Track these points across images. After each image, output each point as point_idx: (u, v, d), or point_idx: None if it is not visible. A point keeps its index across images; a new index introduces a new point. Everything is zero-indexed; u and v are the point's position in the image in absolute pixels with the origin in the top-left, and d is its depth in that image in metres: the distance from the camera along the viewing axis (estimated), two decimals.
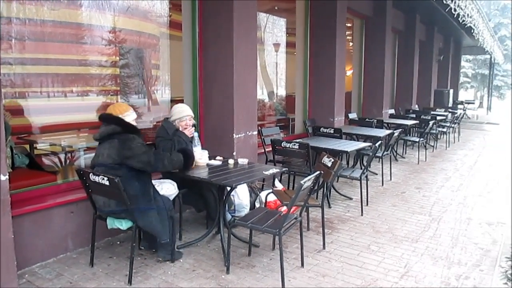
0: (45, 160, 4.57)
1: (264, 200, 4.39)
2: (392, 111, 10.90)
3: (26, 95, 4.34)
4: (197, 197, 4.16)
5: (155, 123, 5.43)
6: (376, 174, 6.77)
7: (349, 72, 10.33)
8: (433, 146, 9.93)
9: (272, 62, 8.79)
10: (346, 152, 5.46)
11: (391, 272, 3.51)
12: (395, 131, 6.59)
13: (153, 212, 3.36)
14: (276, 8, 8.29)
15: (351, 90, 10.19)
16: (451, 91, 17.40)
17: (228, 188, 3.72)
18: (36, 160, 4.37)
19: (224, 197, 3.82)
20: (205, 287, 3.22)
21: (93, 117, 5.10)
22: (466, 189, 6.31)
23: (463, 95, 30.01)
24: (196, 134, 4.26)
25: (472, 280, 3.43)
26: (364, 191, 5.21)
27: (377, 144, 5.17)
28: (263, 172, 3.96)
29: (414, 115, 10.45)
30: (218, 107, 5.09)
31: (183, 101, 5.09)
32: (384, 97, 10.16)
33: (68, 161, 4.68)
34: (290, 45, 8.32)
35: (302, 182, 3.08)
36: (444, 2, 7.45)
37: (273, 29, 8.57)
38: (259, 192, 4.73)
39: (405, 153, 8.97)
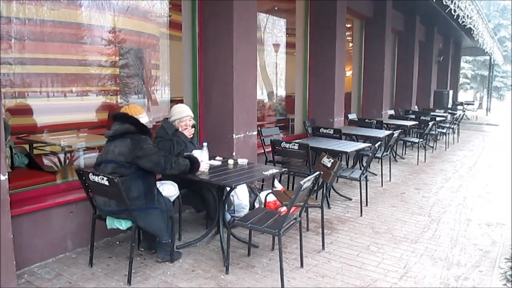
0: (45, 160, 4.57)
1: (263, 201, 4.39)
2: (391, 111, 10.90)
3: (25, 95, 4.34)
4: (197, 197, 4.15)
5: (154, 123, 5.43)
6: (376, 174, 6.78)
7: (348, 73, 10.33)
8: (432, 147, 9.94)
9: (272, 62, 8.79)
10: (346, 152, 5.46)
11: (391, 273, 3.51)
12: (394, 132, 6.59)
13: (155, 211, 3.37)
14: (276, 8, 8.30)
15: (350, 90, 10.19)
16: (451, 92, 17.42)
17: (228, 188, 3.72)
18: (36, 160, 4.37)
19: (224, 197, 3.82)
20: (204, 287, 3.22)
21: (92, 117, 5.11)
22: (465, 190, 6.31)
23: (462, 96, 30.01)
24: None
25: (471, 281, 3.43)
26: (363, 191, 5.21)
27: (376, 145, 5.17)
28: (263, 172, 3.96)
29: (413, 116, 10.45)
30: (217, 107, 5.09)
31: (183, 101, 5.09)
32: (384, 98, 10.17)
33: (67, 161, 4.68)
34: (290, 45, 8.33)
35: (301, 182, 3.08)
36: (444, 3, 7.45)
37: (273, 29, 8.57)
38: (259, 193, 4.73)
39: (405, 154, 8.97)
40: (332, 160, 4.02)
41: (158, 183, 3.66)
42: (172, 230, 3.56)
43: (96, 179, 3.16)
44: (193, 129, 4.22)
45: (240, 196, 4.52)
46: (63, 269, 3.47)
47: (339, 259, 3.75)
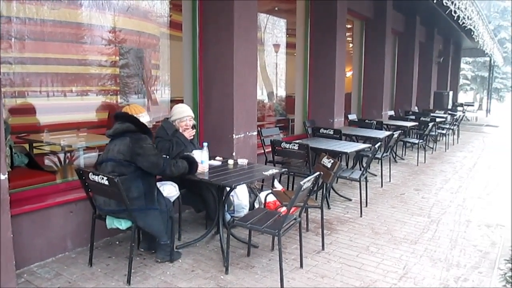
0: (45, 160, 4.57)
1: (263, 201, 4.39)
2: (391, 112, 10.90)
3: (25, 94, 4.34)
4: (197, 197, 4.15)
5: (154, 123, 5.44)
6: (376, 175, 6.78)
7: (349, 73, 10.34)
8: (432, 148, 9.94)
9: (272, 62, 8.81)
10: (346, 153, 5.46)
11: (390, 274, 3.51)
12: (394, 133, 6.59)
13: (155, 212, 3.37)
14: (276, 8, 8.31)
15: (351, 91, 10.19)
16: (451, 93, 17.41)
17: (228, 189, 3.72)
18: (36, 160, 4.37)
19: (224, 198, 3.82)
20: (204, 287, 3.22)
21: (92, 116, 5.11)
22: (465, 191, 6.31)
23: (462, 97, 30.00)
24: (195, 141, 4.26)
25: (471, 282, 3.43)
26: (363, 192, 5.21)
27: (376, 146, 5.17)
28: (263, 172, 3.96)
29: (413, 117, 10.44)
30: (218, 107, 5.09)
31: (183, 101, 5.09)
32: (384, 99, 10.17)
33: (67, 160, 4.68)
34: (290, 45, 8.33)
35: (301, 183, 3.08)
36: (444, 4, 7.45)
37: (273, 29, 8.58)
38: (259, 193, 4.73)
39: (405, 154, 8.97)
40: (332, 161, 4.02)
41: (158, 184, 3.66)
42: (172, 230, 3.56)
43: (96, 178, 3.16)
44: (194, 130, 4.22)
45: (240, 196, 4.51)
46: (62, 268, 3.46)
47: (338, 259, 3.75)
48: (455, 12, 7.88)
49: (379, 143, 5.36)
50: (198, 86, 5.15)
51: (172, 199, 3.72)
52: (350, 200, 5.51)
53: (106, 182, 3.09)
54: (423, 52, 13.91)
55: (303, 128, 7.56)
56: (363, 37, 10.07)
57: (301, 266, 3.56)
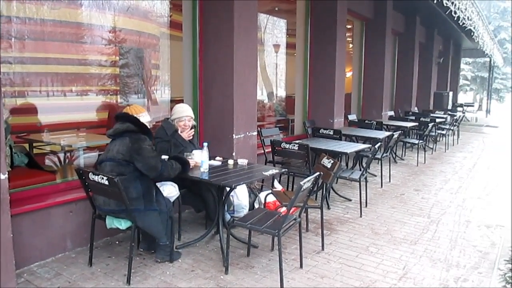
0: (45, 159, 4.57)
1: (263, 201, 4.39)
2: (391, 113, 10.91)
3: (25, 94, 4.34)
4: (196, 197, 4.15)
5: (154, 123, 5.44)
6: (375, 175, 6.78)
7: (349, 74, 10.34)
8: (432, 149, 9.94)
9: (272, 63, 8.81)
10: (346, 153, 5.46)
11: (390, 274, 3.51)
12: (394, 133, 6.59)
13: (154, 213, 3.37)
14: (276, 9, 8.31)
15: (350, 91, 10.19)
16: (451, 93, 17.42)
17: (228, 189, 3.72)
18: (35, 159, 4.37)
19: (224, 198, 3.82)
20: (203, 287, 3.22)
21: (92, 116, 5.12)
22: (465, 191, 6.32)
23: (462, 98, 30.02)
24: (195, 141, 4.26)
25: (470, 282, 3.43)
26: (363, 192, 5.21)
27: (376, 146, 5.18)
28: (263, 172, 3.96)
29: (413, 117, 10.45)
30: (218, 108, 5.09)
31: (183, 101, 5.09)
32: (384, 99, 10.17)
33: (67, 160, 4.68)
34: (290, 46, 8.34)
35: (301, 183, 3.08)
36: (445, 4, 7.46)
37: (273, 30, 8.59)
38: (258, 193, 4.73)
39: (404, 155, 8.97)
40: (332, 161, 4.02)
41: (158, 184, 3.66)
42: (172, 230, 3.56)
43: (96, 178, 3.16)
44: (193, 130, 4.22)
45: (240, 196, 4.51)
46: (62, 268, 3.46)
47: (338, 259, 3.75)
48: (455, 12, 7.88)
49: (379, 144, 5.36)
50: (198, 86, 5.15)
51: (172, 199, 3.72)
52: (350, 200, 5.51)
53: (106, 182, 3.09)
54: (423, 52, 13.92)
55: (303, 128, 7.56)
56: (363, 38, 10.07)
57: (301, 266, 3.56)
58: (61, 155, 4.64)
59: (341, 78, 7.81)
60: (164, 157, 3.60)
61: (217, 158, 4.27)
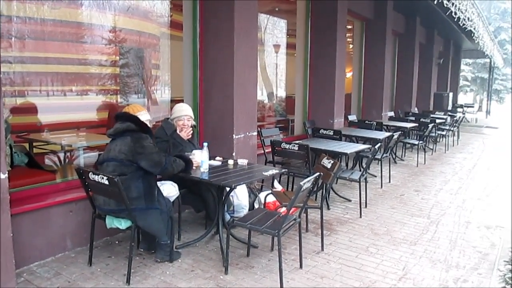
0: (45, 159, 4.57)
1: (263, 201, 4.39)
2: (391, 113, 10.90)
3: (25, 93, 4.34)
4: (196, 197, 4.15)
5: (154, 123, 5.44)
6: (375, 176, 6.78)
7: (349, 74, 10.34)
8: (432, 149, 9.94)
9: (272, 63, 8.81)
10: (346, 154, 5.46)
11: (390, 274, 3.51)
12: (394, 134, 6.59)
13: (155, 212, 3.37)
14: (276, 9, 8.31)
15: (351, 92, 10.19)
16: (451, 94, 17.42)
17: (228, 189, 3.72)
18: (35, 159, 4.37)
19: (223, 198, 3.82)
20: (203, 287, 3.22)
21: (92, 116, 5.11)
22: (465, 192, 6.32)
23: (462, 99, 30.02)
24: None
25: (470, 283, 3.43)
26: (363, 193, 5.21)
27: (376, 146, 5.18)
28: (263, 173, 3.96)
29: (413, 118, 10.45)
30: (218, 108, 5.10)
31: (183, 101, 5.09)
32: (384, 100, 10.17)
33: (67, 160, 4.68)
34: (290, 46, 8.34)
35: (301, 183, 3.08)
36: (445, 5, 7.46)
37: (273, 30, 8.59)
38: (258, 193, 4.73)
39: (404, 155, 8.97)
40: (331, 161, 4.02)
41: (158, 183, 3.66)
42: (172, 230, 3.56)
43: (96, 178, 3.16)
44: (191, 129, 4.22)
45: (240, 196, 4.51)
46: (62, 268, 3.46)
47: (338, 260, 3.75)
48: (455, 13, 7.89)
49: (379, 144, 5.37)
50: (198, 86, 5.15)
51: (172, 199, 3.72)
52: (350, 200, 5.51)
53: (106, 182, 3.09)
54: (423, 53, 13.92)
55: (303, 128, 7.56)
56: (363, 38, 10.07)
57: (301, 266, 3.56)
58: (61, 155, 4.64)
59: (341, 78, 7.81)
60: None
61: (217, 158, 4.27)
